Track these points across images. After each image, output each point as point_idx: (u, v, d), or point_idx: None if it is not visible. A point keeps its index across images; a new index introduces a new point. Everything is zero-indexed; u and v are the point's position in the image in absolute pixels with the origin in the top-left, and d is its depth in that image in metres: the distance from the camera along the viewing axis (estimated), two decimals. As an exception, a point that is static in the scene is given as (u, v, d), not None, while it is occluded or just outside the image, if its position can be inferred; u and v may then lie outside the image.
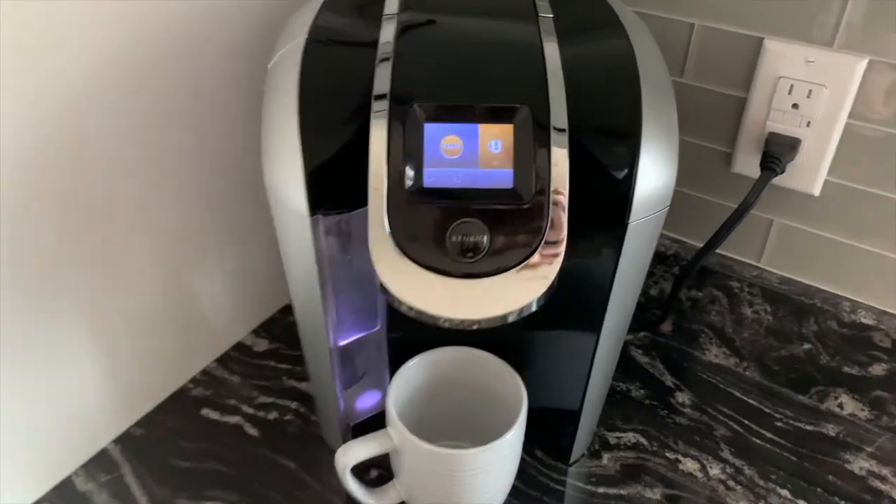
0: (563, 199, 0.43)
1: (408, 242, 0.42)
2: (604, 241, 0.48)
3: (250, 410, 0.69)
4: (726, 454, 0.66)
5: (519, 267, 0.42)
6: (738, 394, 0.72)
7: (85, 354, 0.60)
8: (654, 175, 0.46)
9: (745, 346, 0.73)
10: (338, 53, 0.49)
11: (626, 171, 0.45)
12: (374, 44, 0.46)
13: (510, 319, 0.43)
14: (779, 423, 0.69)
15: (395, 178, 0.43)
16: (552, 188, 0.43)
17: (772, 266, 0.70)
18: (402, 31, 0.47)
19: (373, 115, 0.43)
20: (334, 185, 0.45)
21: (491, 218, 0.42)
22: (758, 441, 0.67)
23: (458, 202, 0.43)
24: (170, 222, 0.63)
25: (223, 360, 0.74)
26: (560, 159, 0.43)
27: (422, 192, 0.43)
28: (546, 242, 0.42)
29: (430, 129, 0.43)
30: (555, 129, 0.43)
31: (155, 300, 0.64)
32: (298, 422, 0.68)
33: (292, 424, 0.68)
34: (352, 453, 0.54)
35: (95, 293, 0.59)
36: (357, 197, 0.44)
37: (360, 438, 0.55)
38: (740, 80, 0.63)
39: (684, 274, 0.67)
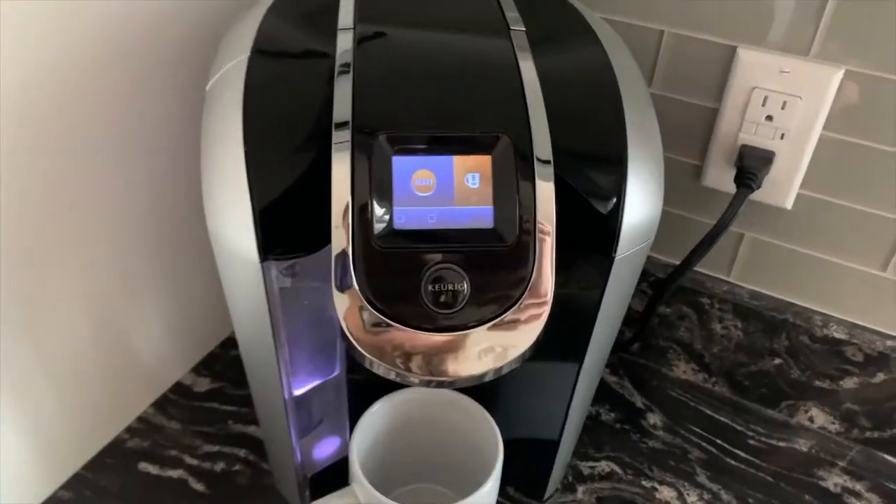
0: (550, 239, 0.38)
1: (377, 293, 0.37)
2: (588, 275, 0.44)
3: (194, 462, 0.62)
4: (702, 478, 0.63)
5: (502, 318, 0.38)
6: (708, 411, 0.69)
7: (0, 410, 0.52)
8: (641, 205, 0.42)
9: (714, 362, 0.71)
10: (287, 73, 0.43)
11: (612, 202, 0.41)
12: (330, 62, 0.41)
13: (488, 378, 0.39)
14: (752, 441, 0.67)
15: (360, 219, 0.37)
16: (538, 226, 0.38)
17: (742, 281, 0.67)
18: (362, 47, 0.42)
19: (334, 147, 0.38)
20: (288, 228, 0.40)
21: (470, 262, 0.38)
22: (732, 462, 0.65)
23: (433, 245, 0.38)
24: (96, 255, 0.56)
25: (161, 405, 0.67)
26: (545, 194, 0.39)
27: (392, 235, 0.38)
28: (532, 289, 0.38)
29: (398, 162, 0.38)
30: (538, 160, 0.39)
31: (80, 342, 0.57)
32: (249, 471, 0.62)
33: (242, 475, 0.62)
34: (314, 517, 0.48)
35: (10, 340, 0.51)
36: (315, 239, 0.39)
37: (322, 500, 0.49)
38: (712, 90, 0.60)
39: (659, 295, 0.64)
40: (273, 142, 0.40)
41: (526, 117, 0.39)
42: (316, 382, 0.51)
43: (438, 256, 0.37)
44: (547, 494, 0.61)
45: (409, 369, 0.38)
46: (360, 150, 0.38)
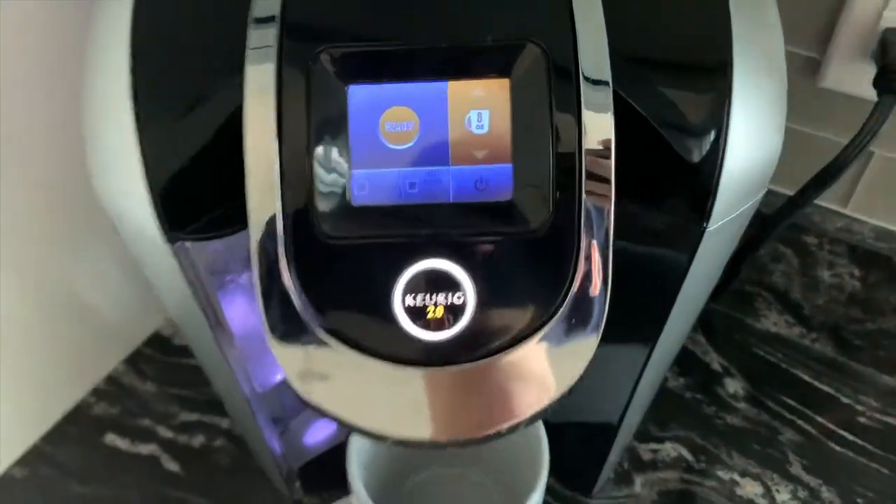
0: (607, 214, 0.24)
1: (329, 308, 0.24)
2: (667, 252, 0.30)
3: (169, 434, 0.52)
4: (797, 469, 0.50)
5: (524, 345, 0.24)
6: (806, 377, 0.55)
7: None
8: (753, 143, 0.27)
9: (816, 315, 0.56)
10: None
11: (708, 142, 0.26)
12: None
13: (506, 434, 0.25)
14: (862, 419, 0.53)
15: (295, 189, 0.23)
16: (586, 193, 0.23)
17: (865, 214, 0.51)
18: None
19: (247, 57, 0.23)
20: (202, 199, 0.26)
21: (475, 260, 0.23)
22: (836, 447, 0.51)
23: (413, 233, 0.23)
24: (38, 204, 0.44)
25: (134, 361, 0.56)
26: (599, 136, 0.23)
27: (348, 217, 0.23)
28: (575, 299, 0.24)
29: (358, 94, 0.23)
30: (587, 79, 0.23)
31: (13, 293, 0.46)
32: (232, 448, 0.51)
33: (224, 453, 0.51)
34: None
35: None
36: (243, 209, 0.25)
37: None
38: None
39: (758, 239, 0.48)
40: (174, 74, 0.25)
41: (567, 11, 0.23)
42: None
43: (424, 251, 0.23)
44: (597, 487, 0.49)
45: (384, 427, 0.24)
46: (293, 67, 0.23)
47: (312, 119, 0.23)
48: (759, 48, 0.27)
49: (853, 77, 0.46)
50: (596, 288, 0.24)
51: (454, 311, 0.23)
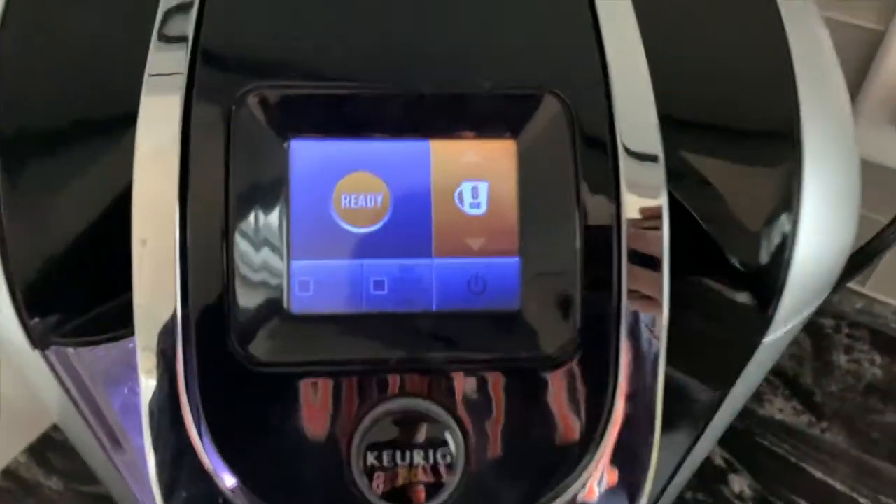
0: (657, 334, 0.17)
1: (254, 471, 0.16)
2: (710, 369, 0.23)
3: (73, 546, 0.43)
4: (815, 587, 0.43)
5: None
6: (817, 473, 0.49)
7: None
8: (825, 237, 0.21)
9: (828, 403, 0.50)
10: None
11: (776, 239, 0.19)
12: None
13: None
14: (884, 524, 0.46)
15: (204, 289, 0.16)
16: (627, 302, 0.16)
17: (886, 294, 0.46)
18: None
19: (144, 88, 0.16)
20: (79, 294, 0.19)
21: (469, 399, 0.16)
22: (857, 558, 0.45)
23: (379, 357, 0.16)
24: None
25: (38, 450, 0.48)
26: (646, 226, 0.17)
27: (283, 334, 0.16)
28: (611, 458, 0.17)
29: (302, 154, 0.16)
30: (629, 151, 0.17)
31: None
32: (150, 565, 0.43)
33: (140, 571, 0.42)
34: None
35: None
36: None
37: None
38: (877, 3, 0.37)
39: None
40: (42, 123, 0.18)
41: (599, 56, 0.17)
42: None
43: (394, 383, 0.16)
44: None
45: None
46: (208, 109, 0.16)
47: (234, 184, 0.16)
48: (829, 111, 0.21)
49: (877, 144, 0.41)
50: (642, 439, 0.17)
51: (437, 477, 0.16)
